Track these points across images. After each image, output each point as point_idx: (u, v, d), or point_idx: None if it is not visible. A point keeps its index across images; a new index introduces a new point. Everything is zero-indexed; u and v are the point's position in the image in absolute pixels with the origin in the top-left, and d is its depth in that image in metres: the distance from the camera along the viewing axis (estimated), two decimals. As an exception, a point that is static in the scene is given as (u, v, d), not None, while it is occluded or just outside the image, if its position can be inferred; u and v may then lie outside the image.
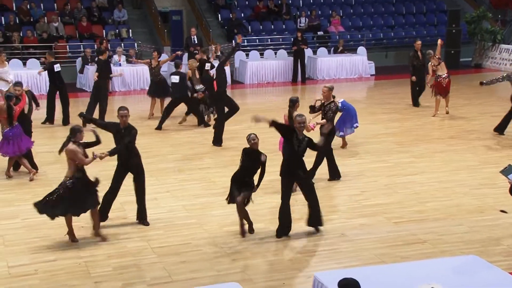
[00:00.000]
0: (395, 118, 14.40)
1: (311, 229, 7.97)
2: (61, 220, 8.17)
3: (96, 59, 15.00)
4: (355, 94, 17.41)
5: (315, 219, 7.78)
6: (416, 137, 12.69)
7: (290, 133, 7.50)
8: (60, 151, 7.56)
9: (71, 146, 7.44)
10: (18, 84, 10.59)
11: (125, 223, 8.15)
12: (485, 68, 21.62)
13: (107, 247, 7.40)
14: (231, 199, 7.68)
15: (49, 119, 13.87)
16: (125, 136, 7.80)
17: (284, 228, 7.71)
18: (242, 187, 7.56)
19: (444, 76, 14.14)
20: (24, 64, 18.22)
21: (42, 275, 6.71)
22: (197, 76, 13.51)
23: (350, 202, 9.06)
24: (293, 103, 9.03)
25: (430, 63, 14.22)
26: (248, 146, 7.59)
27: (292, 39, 20.79)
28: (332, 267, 6.87)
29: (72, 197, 7.30)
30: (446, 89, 14.19)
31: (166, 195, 9.26)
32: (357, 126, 11.61)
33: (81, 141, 7.51)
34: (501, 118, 12.66)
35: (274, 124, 7.38)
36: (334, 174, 9.85)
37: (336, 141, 11.69)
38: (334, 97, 9.56)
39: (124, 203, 8.82)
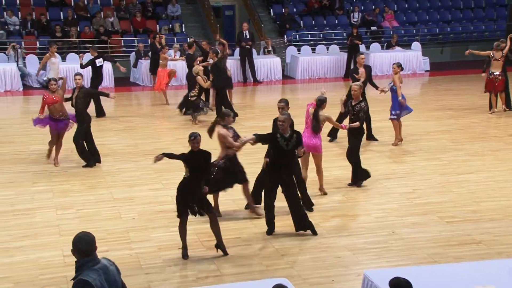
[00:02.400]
0: (450, 115, 14.07)
1: (360, 226, 7.88)
2: (113, 212, 8.36)
3: (186, 53, 15.21)
4: (409, 91, 17.08)
5: (299, 222, 7.52)
6: (472, 134, 12.36)
7: (274, 136, 7.38)
8: (209, 133, 7.91)
9: (222, 130, 7.81)
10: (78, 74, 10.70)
11: (176, 217, 8.23)
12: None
13: (157, 239, 7.51)
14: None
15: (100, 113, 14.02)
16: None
17: (269, 225, 7.60)
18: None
19: (497, 73, 13.77)
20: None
21: (95, 265, 6.86)
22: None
23: (401, 200, 8.90)
24: (321, 103, 8.64)
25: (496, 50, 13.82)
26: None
27: (344, 34, 20.59)
28: (383, 266, 6.77)
29: (225, 175, 7.78)
30: (497, 88, 13.85)
31: (216, 189, 9.31)
32: (394, 117, 11.36)
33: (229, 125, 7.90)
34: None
35: (258, 139, 7.38)
36: (357, 180, 9.33)
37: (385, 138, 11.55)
38: (364, 94, 9.33)
39: (175, 196, 8.92)
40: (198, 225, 7.94)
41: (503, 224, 7.95)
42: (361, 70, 11.65)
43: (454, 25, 23.04)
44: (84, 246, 4.01)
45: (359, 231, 7.76)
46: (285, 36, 21.49)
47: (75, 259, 4.05)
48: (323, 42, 21.10)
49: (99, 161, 10.38)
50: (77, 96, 10.13)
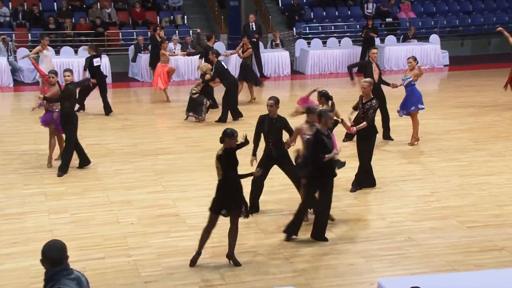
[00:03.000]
0: (471, 112, 14.02)
1: (374, 231, 7.87)
2: (109, 216, 8.37)
3: (206, 46, 15.19)
4: (426, 87, 17.04)
5: (319, 231, 7.61)
6: (494, 133, 12.32)
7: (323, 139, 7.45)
8: (293, 114, 8.77)
9: (301, 125, 8.00)
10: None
11: (177, 221, 8.26)
12: None
13: (157, 246, 7.52)
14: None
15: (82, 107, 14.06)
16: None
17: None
18: None
19: None
20: (76, 52, 18.73)
21: (90, 273, 6.86)
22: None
23: (418, 203, 8.88)
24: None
25: None
26: None
27: (358, 26, 20.55)
28: (398, 274, 6.75)
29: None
30: None
31: (220, 192, 9.30)
32: (423, 108, 11.37)
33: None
34: None
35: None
36: (360, 184, 9.32)
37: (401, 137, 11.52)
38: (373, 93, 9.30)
39: (176, 199, 8.96)
40: (200, 230, 7.94)
41: (528, 230, 7.91)
42: (374, 66, 11.63)
43: (475, 16, 22.96)
44: (55, 254, 3.91)
45: (373, 237, 7.75)
46: (294, 28, 21.48)
47: (45, 270, 3.93)
48: (335, 35, 21.08)
49: (89, 162, 10.36)
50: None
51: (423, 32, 21.71)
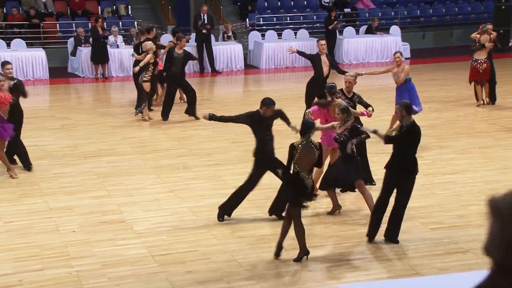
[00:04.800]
0: (433, 108, 14.31)
1: (335, 235, 7.95)
2: (48, 224, 8.24)
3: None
4: (387, 81, 17.24)
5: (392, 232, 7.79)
6: (457, 129, 12.60)
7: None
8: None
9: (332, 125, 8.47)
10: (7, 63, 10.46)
11: (123, 228, 8.19)
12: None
13: (101, 255, 7.43)
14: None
15: None
16: None
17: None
18: None
19: (480, 61, 13.96)
20: (8, 45, 18.33)
21: (27, 287, 6.76)
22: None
23: (380, 204, 9.01)
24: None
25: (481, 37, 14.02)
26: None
27: (314, 17, 20.69)
28: (360, 279, 6.84)
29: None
30: (482, 76, 14.04)
31: (169, 196, 9.29)
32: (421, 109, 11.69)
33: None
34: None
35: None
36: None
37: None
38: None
39: (121, 204, 8.87)
40: (150, 237, 7.90)
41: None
42: (323, 58, 11.79)
43: (437, 7, 23.44)
44: None
45: (333, 241, 7.83)
46: (247, 19, 21.51)
47: None
48: (291, 26, 21.21)
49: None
50: (11, 89, 9.89)
51: (383, 24, 22.04)
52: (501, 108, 14.13)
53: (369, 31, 20.79)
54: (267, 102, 8.05)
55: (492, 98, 14.36)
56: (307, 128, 7.27)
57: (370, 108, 9.40)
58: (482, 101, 14.30)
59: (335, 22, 19.29)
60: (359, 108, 9.50)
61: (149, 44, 13.06)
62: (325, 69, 11.69)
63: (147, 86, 12.97)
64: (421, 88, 16.45)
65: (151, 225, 8.24)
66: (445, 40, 22.88)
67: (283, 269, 7.16)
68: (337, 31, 19.50)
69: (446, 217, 8.51)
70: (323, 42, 12.20)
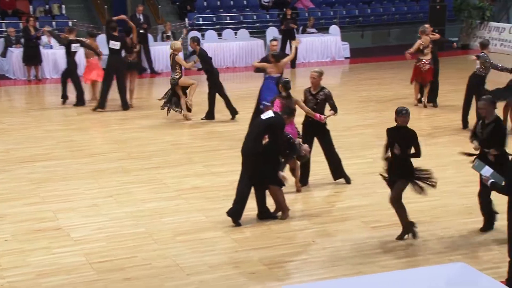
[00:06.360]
0: (373, 107, 14.52)
1: (276, 236, 7.97)
2: (-19, 232, 8.00)
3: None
4: (327, 80, 17.29)
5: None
6: (397, 128, 12.78)
7: None
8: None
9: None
10: None
11: (59, 235, 8.01)
12: (472, 49, 21.94)
13: (36, 264, 7.25)
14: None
15: None
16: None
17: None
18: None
19: (424, 61, 14.20)
20: None
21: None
22: None
23: (322, 204, 9.09)
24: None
25: (419, 40, 14.19)
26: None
27: (255, 16, 20.70)
28: (303, 280, 6.88)
29: None
30: (423, 76, 14.29)
31: (108, 201, 9.14)
32: None
33: None
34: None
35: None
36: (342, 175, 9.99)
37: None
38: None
39: (57, 211, 8.69)
40: (88, 244, 7.75)
41: (431, 227, 8.28)
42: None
43: (375, 6, 23.83)
44: None
45: (275, 242, 7.84)
46: (186, 19, 21.39)
47: None
48: (231, 26, 21.20)
49: None
50: None
51: (323, 23, 22.27)
52: (437, 107, 14.44)
53: (304, 31, 20.97)
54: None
55: (433, 101, 14.61)
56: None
57: (331, 112, 9.49)
58: (419, 101, 14.50)
59: (286, 22, 19.36)
60: (327, 108, 9.60)
61: (178, 44, 13.73)
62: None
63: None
64: (360, 87, 16.75)
65: (89, 231, 8.08)
66: (383, 40, 23.28)
67: (225, 272, 7.13)
68: (294, 29, 19.56)
69: (386, 215, 8.61)
70: (275, 42, 12.79)
